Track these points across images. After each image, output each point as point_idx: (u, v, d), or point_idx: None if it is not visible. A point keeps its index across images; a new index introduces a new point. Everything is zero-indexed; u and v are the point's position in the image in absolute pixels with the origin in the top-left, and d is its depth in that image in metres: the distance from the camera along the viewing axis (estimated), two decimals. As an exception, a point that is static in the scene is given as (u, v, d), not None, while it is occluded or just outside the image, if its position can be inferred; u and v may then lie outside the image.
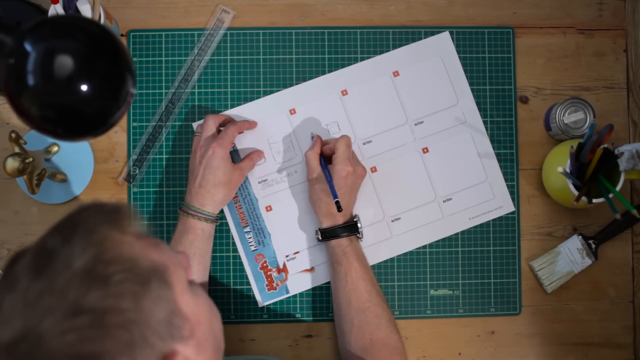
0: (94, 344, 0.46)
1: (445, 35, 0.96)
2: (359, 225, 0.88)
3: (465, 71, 0.95)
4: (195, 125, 0.93)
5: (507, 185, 0.95)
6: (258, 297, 0.93)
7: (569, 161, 0.84)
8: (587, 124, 0.90)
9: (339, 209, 0.82)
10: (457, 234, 0.94)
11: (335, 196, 0.83)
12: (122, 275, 0.49)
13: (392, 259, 0.94)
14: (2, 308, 0.47)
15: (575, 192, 0.84)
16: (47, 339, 0.45)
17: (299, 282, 0.93)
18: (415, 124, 0.95)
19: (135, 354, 0.47)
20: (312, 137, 0.91)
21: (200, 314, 0.56)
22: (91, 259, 0.48)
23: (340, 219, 0.87)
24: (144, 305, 0.49)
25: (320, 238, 0.88)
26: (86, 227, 0.50)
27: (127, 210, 0.54)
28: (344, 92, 0.94)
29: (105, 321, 0.47)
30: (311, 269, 0.93)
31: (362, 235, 0.89)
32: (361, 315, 0.84)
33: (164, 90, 0.94)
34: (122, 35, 0.95)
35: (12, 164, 0.82)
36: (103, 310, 0.47)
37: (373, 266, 0.92)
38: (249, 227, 0.93)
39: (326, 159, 0.89)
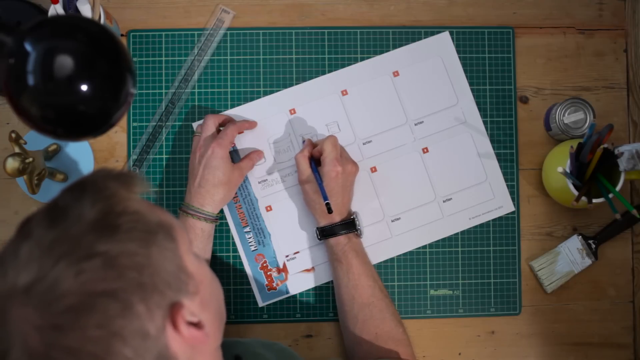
0: (108, 282, 0.49)
1: (445, 35, 0.96)
2: (356, 222, 0.88)
3: (465, 71, 0.95)
4: (195, 125, 0.93)
5: (507, 185, 0.95)
6: (258, 297, 0.93)
7: (569, 161, 0.84)
8: (587, 124, 0.90)
9: (329, 210, 0.83)
10: (457, 234, 0.94)
11: (325, 198, 0.83)
12: (131, 224, 0.52)
13: (392, 259, 0.94)
14: (19, 255, 0.50)
15: (575, 192, 0.84)
16: (62, 280, 0.48)
17: (299, 282, 0.93)
18: (415, 124, 0.95)
19: (146, 295, 0.50)
20: (304, 141, 0.91)
21: (203, 275, 0.59)
22: (101, 211, 0.52)
23: (336, 218, 0.87)
24: (153, 253, 0.52)
25: (319, 237, 0.88)
26: (95, 186, 0.54)
27: (133, 173, 0.58)
28: (344, 92, 0.94)
29: (117, 262, 0.50)
30: (311, 269, 0.93)
31: (361, 232, 0.89)
32: (365, 311, 0.84)
33: (164, 90, 0.94)
34: (122, 35, 0.95)
35: (12, 164, 0.82)
36: (115, 253, 0.50)
37: (373, 266, 0.92)
38: (249, 227, 0.93)
39: (317, 162, 0.89)
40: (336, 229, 0.87)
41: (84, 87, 0.69)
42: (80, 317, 0.48)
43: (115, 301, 0.49)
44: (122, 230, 0.52)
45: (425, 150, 0.95)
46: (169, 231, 0.55)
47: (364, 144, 0.94)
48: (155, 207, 0.57)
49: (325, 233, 0.87)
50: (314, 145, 0.91)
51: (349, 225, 0.87)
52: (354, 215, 0.88)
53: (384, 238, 0.94)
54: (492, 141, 0.95)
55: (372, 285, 0.85)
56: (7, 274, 0.49)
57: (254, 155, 0.91)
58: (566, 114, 0.90)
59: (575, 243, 0.94)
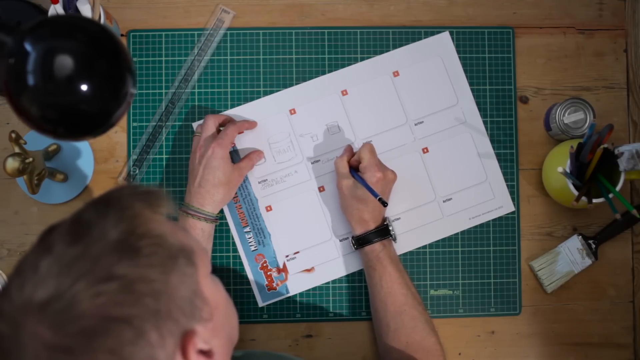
0: (124, 308, 0.49)
1: (445, 35, 0.96)
2: (390, 228, 0.88)
3: (465, 71, 0.95)
4: (195, 125, 0.93)
5: (507, 185, 0.95)
6: (258, 297, 0.93)
7: (569, 161, 0.84)
8: (587, 124, 0.90)
9: (384, 204, 0.82)
10: (457, 234, 0.94)
11: (375, 195, 0.82)
12: (152, 249, 0.52)
13: (392, 259, 0.94)
14: (39, 270, 0.50)
15: (575, 192, 0.84)
16: (78, 300, 0.48)
17: (299, 282, 0.93)
18: (415, 124, 0.95)
19: (160, 323, 0.50)
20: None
21: (218, 301, 0.59)
22: (124, 232, 0.52)
23: (371, 225, 0.87)
24: (171, 279, 0.52)
25: (355, 246, 0.88)
26: (120, 203, 0.54)
27: (159, 192, 0.57)
28: (344, 92, 0.94)
29: (135, 288, 0.50)
30: (311, 269, 0.93)
31: (395, 237, 0.89)
32: (397, 319, 0.84)
33: (164, 90, 0.94)
34: (122, 35, 0.95)
35: (12, 164, 0.82)
36: (133, 278, 0.50)
37: (407, 273, 0.91)
38: (249, 227, 0.93)
39: (355, 170, 0.89)
40: (370, 237, 0.86)
41: (84, 87, 0.69)
42: (92, 341, 0.48)
43: (129, 328, 0.49)
44: (143, 255, 0.51)
45: (425, 150, 0.95)
46: (190, 256, 0.55)
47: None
48: (178, 230, 0.56)
49: (361, 242, 0.87)
50: (352, 152, 0.91)
51: (383, 232, 0.87)
52: (387, 222, 0.88)
53: (384, 238, 0.93)
54: (492, 141, 0.95)
55: (405, 293, 0.85)
56: (24, 286, 0.49)
57: (254, 155, 0.91)
58: (566, 114, 0.90)
59: (575, 243, 0.94)
